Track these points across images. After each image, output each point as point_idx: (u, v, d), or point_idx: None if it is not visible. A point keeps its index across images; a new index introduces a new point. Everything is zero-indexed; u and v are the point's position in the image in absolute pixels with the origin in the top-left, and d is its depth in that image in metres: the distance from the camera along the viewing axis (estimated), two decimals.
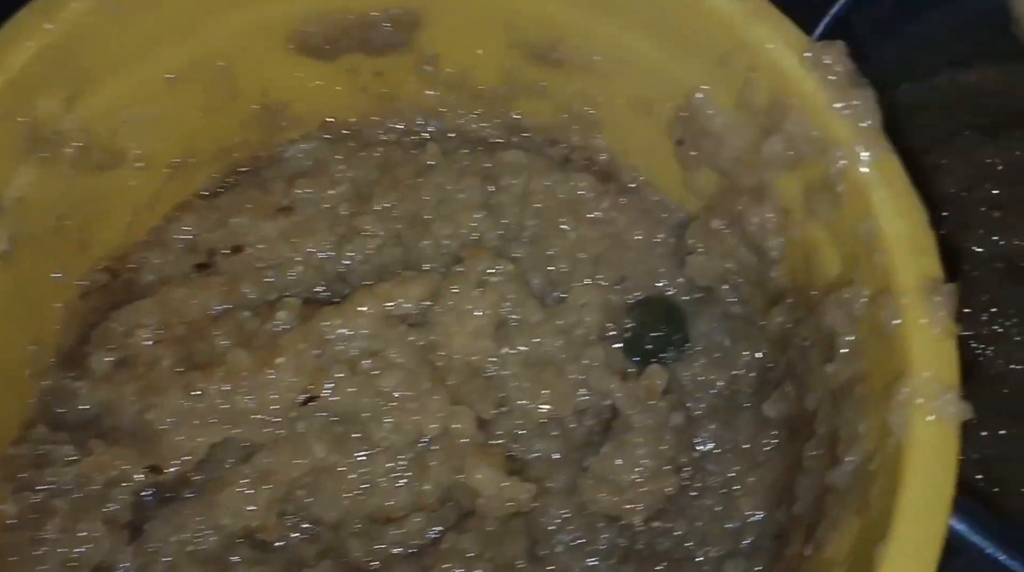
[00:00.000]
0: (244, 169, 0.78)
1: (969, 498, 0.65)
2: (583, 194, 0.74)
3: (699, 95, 0.66)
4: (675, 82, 0.67)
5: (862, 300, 0.58)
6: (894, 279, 0.55)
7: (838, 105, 0.58)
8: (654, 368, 0.70)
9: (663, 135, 0.71)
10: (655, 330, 0.72)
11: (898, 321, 0.54)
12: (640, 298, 0.74)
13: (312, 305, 0.69)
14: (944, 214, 0.85)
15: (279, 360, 0.66)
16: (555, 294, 0.74)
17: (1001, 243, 0.84)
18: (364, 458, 0.66)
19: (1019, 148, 0.86)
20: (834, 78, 0.59)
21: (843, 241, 0.60)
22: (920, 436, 0.52)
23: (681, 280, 0.74)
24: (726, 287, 0.71)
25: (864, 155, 0.57)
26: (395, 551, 0.66)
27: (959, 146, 0.87)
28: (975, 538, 0.64)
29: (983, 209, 0.84)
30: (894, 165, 0.57)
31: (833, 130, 0.58)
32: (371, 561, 0.66)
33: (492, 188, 0.74)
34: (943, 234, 0.70)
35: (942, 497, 0.50)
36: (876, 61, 0.82)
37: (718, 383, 0.71)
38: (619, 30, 0.67)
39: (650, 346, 0.72)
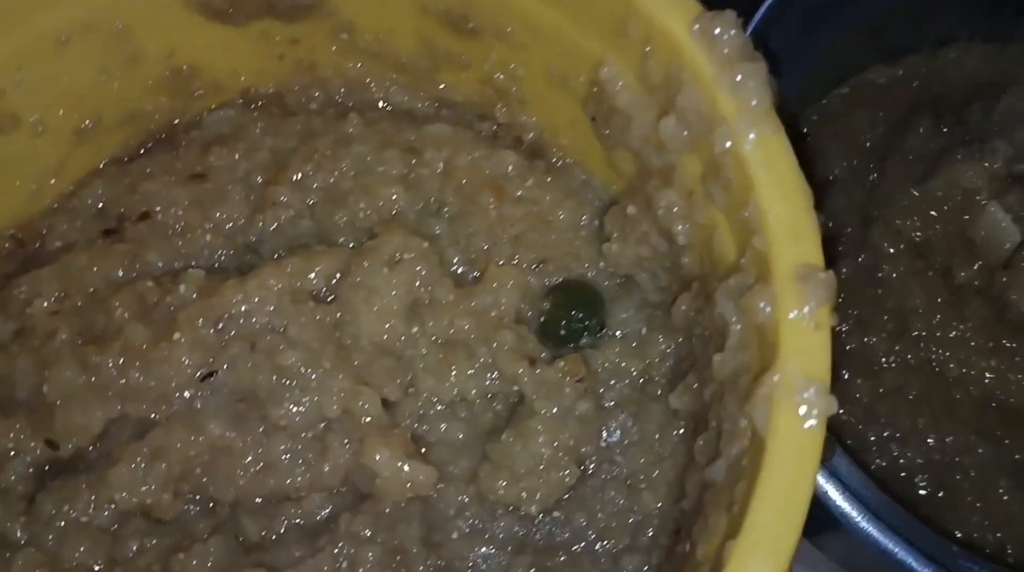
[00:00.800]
0: (162, 136, 0.76)
1: (871, 489, 0.63)
2: (509, 170, 0.73)
3: (606, 69, 0.63)
4: (583, 53, 0.64)
5: (746, 288, 0.55)
6: (771, 265, 0.52)
7: (727, 80, 0.55)
8: (572, 357, 0.68)
9: (582, 112, 0.68)
10: (572, 315, 0.70)
11: (769, 310, 0.51)
12: (559, 281, 0.72)
13: (217, 277, 0.68)
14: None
15: (176, 335, 0.65)
16: (472, 274, 0.72)
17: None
18: (262, 437, 0.65)
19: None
20: (726, 51, 0.56)
21: (735, 226, 0.57)
22: (780, 431, 0.49)
23: (603, 265, 0.72)
24: (645, 275, 0.69)
25: (749, 135, 0.54)
26: (289, 530, 0.65)
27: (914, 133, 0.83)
28: (855, 515, 0.64)
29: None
30: (780, 146, 0.54)
31: (719, 107, 0.55)
32: (264, 538, 0.64)
33: (414, 161, 0.72)
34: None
35: (798, 495, 0.48)
36: (843, 37, 0.80)
37: (632, 372, 0.69)
38: None
39: (565, 332, 0.70)
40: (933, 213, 0.78)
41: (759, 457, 0.49)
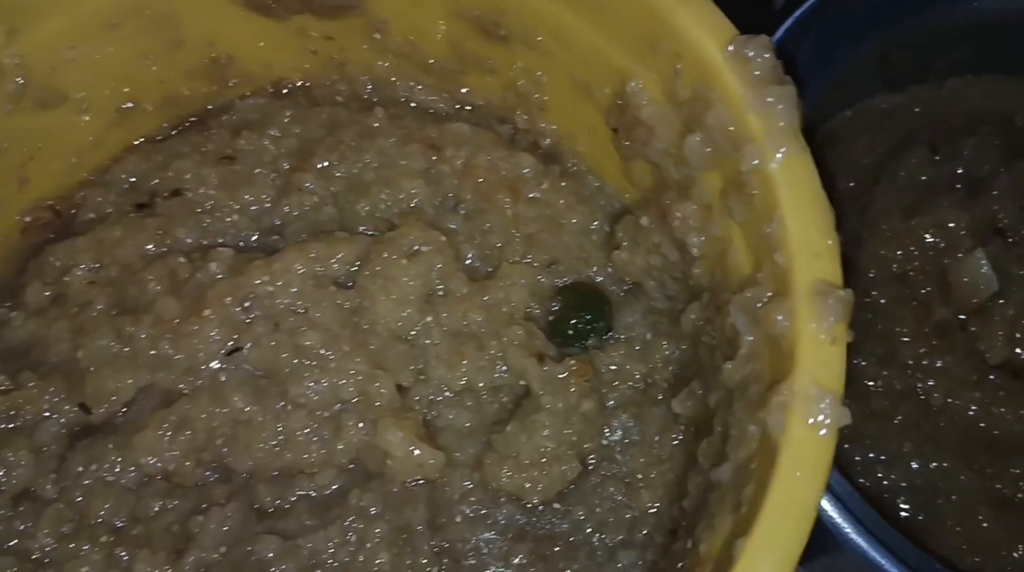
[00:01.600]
0: (194, 119, 0.78)
1: (860, 502, 0.65)
2: (525, 172, 0.75)
3: (633, 83, 0.65)
4: (610, 66, 0.67)
5: (763, 301, 0.57)
6: (790, 280, 0.55)
7: (756, 101, 0.58)
8: (581, 358, 0.71)
9: (603, 123, 0.70)
10: (580, 316, 0.73)
11: (786, 323, 0.54)
12: (569, 282, 0.74)
13: (244, 256, 0.70)
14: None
15: (206, 312, 0.67)
16: (485, 269, 0.74)
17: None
18: (282, 413, 0.67)
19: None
20: (757, 73, 0.58)
21: (752, 241, 0.60)
22: (795, 438, 0.51)
23: (611, 270, 0.74)
24: (653, 283, 0.71)
25: (776, 154, 0.57)
26: (301, 501, 0.67)
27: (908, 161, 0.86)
28: (855, 536, 0.65)
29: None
30: (805, 166, 0.57)
31: (748, 127, 0.58)
32: (278, 508, 0.67)
33: (435, 158, 0.75)
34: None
35: (809, 500, 0.50)
36: (853, 63, 0.82)
37: (635, 375, 0.71)
38: (558, 8, 0.67)
39: (572, 331, 0.72)
40: (914, 249, 0.80)
41: (771, 462, 0.51)
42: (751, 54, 0.58)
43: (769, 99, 0.58)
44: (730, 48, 0.59)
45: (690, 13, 0.60)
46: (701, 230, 0.64)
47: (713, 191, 0.62)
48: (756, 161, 0.57)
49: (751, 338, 0.58)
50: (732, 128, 0.59)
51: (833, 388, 0.52)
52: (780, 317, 0.55)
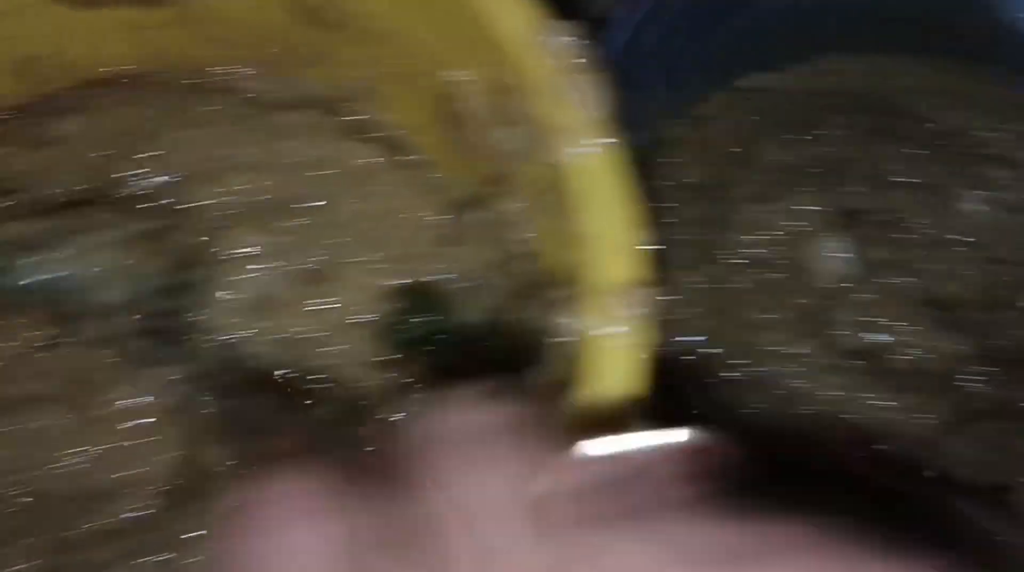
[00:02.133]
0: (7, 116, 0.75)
1: None
2: (365, 166, 0.72)
3: (453, 75, 0.63)
4: (435, 56, 0.64)
5: (566, 300, 0.55)
6: (588, 278, 0.53)
7: (561, 92, 0.55)
8: (416, 360, 0.69)
9: (435, 114, 0.68)
10: (422, 316, 0.70)
11: (579, 325, 0.52)
12: (411, 282, 0.71)
13: None
14: None
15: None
16: (321, 271, 0.71)
17: None
18: (88, 433, 0.64)
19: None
20: (563, 62, 0.56)
21: (562, 237, 0.57)
22: None
23: (451, 267, 0.71)
24: (488, 280, 0.69)
25: (578, 147, 0.55)
26: (106, 528, 0.64)
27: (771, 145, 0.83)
28: None
29: None
30: (608, 159, 0.55)
31: (553, 118, 0.56)
32: (85, 533, 0.63)
33: (270, 151, 0.72)
34: None
35: None
36: (723, 43, 0.80)
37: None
38: None
39: (410, 334, 0.70)
40: (772, 234, 0.78)
41: None
42: (557, 41, 0.56)
43: (573, 89, 0.55)
44: (537, 36, 0.56)
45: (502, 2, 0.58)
46: (522, 226, 0.63)
47: (530, 185, 0.60)
48: (560, 154, 0.55)
49: (557, 338, 0.56)
50: (540, 120, 0.57)
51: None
52: (579, 317, 0.53)
